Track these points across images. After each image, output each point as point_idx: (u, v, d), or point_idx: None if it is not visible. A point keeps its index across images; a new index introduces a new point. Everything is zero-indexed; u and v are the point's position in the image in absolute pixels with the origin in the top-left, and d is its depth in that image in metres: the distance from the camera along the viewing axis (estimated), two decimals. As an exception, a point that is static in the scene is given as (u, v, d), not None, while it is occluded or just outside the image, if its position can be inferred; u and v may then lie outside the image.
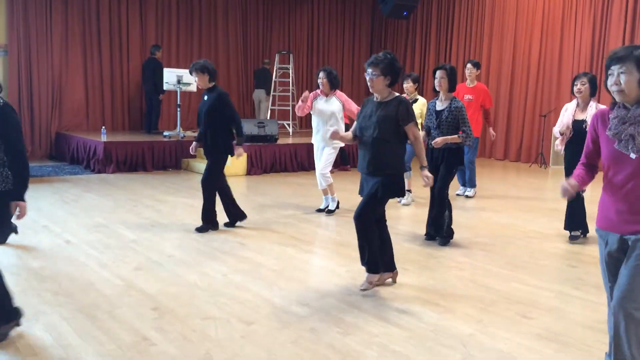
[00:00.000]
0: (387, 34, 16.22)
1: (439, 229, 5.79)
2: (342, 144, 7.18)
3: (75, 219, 6.46)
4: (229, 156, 6.07)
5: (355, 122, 4.52)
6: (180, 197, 7.88)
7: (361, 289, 4.32)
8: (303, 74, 15.41)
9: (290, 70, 13.65)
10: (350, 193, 7.91)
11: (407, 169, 6.95)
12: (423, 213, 6.53)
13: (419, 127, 7.22)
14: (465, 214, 7.29)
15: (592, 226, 5.65)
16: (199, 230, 6.03)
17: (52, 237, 5.69)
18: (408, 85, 7.51)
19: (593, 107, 5.61)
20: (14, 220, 3.48)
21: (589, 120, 5.43)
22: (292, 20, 15.20)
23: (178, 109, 11.69)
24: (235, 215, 6.28)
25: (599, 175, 2.94)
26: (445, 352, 3.39)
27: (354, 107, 6.91)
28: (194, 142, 6.19)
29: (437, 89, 5.76)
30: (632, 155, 2.64)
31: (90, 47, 12.10)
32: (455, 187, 8.35)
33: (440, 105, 5.77)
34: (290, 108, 13.44)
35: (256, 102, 13.96)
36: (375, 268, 4.34)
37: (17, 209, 3.29)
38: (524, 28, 12.86)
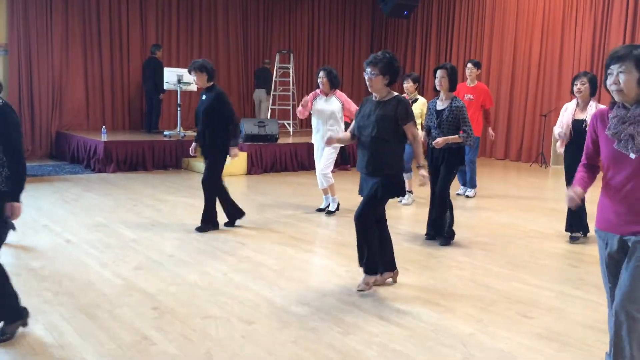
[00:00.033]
0: (387, 33, 16.22)
1: (440, 230, 5.78)
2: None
3: (76, 219, 6.46)
4: (228, 156, 6.07)
5: (353, 122, 4.52)
6: (180, 197, 7.88)
7: (358, 290, 4.32)
8: (303, 74, 15.40)
9: (291, 70, 13.65)
10: (350, 193, 7.91)
11: (408, 169, 6.94)
12: (423, 213, 6.53)
13: (419, 127, 7.27)
14: (465, 213, 7.28)
15: (592, 225, 5.65)
16: (199, 229, 6.03)
17: (52, 237, 5.69)
18: (408, 85, 7.51)
19: (593, 107, 5.60)
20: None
21: (588, 120, 5.42)
22: (293, 20, 15.19)
23: (178, 109, 11.69)
24: (234, 214, 6.27)
25: (599, 175, 2.94)
26: (445, 351, 3.39)
27: (354, 107, 6.90)
28: (193, 143, 6.16)
29: (438, 88, 5.75)
30: (632, 155, 2.62)
31: (90, 47, 12.10)
32: (455, 187, 8.34)
33: (440, 104, 5.76)
34: (290, 107, 13.44)
35: (256, 101, 13.96)
36: (373, 269, 4.34)
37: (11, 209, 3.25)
38: (525, 28, 12.86)
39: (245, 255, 5.25)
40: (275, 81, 13.60)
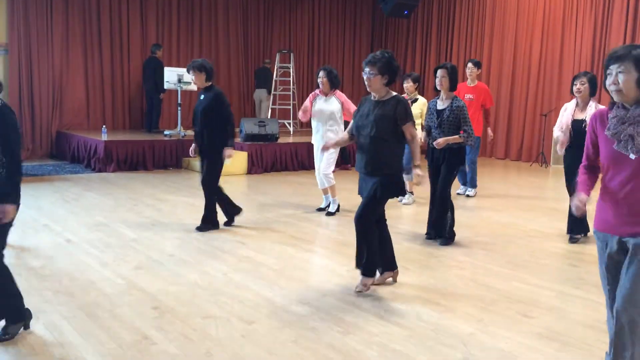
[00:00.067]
0: (387, 33, 16.22)
1: (442, 230, 5.76)
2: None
3: (76, 218, 6.46)
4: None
5: (352, 121, 4.50)
6: (180, 196, 7.88)
7: (356, 291, 4.31)
8: (304, 73, 15.40)
9: (291, 69, 13.65)
10: (350, 192, 7.91)
11: (409, 170, 6.93)
12: (424, 212, 6.53)
13: (419, 127, 7.26)
14: (466, 213, 7.28)
15: (591, 224, 5.64)
16: (200, 229, 6.03)
17: (52, 236, 5.69)
18: (408, 84, 7.51)
19: (592, 107, 5.58)
20: None
21: (588, 120, 5.41)
22: (293, 19, 15.19)
23: (179, 108, 11.70)
24: (232, 213, 6.27)
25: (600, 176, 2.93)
26: (445, 351, 3.39)
27: (353, 108, 6.87)
28: (193, 144, 6.09)
29: (438, 88, 5.73)
30: (632, 156, 2.60)
31: (91, 47, 12.10)
32: (455, 187, 8.34)
33: (441, 104, 5.74)
34: (290, 107, 13.44)
35: (257, 101, 13.96)
36: (371, 271, 4.33)
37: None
38: (525, 28, 12.86)
39: (246, 255, 5.25)
40: (276, 80, 13.60)
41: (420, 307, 4.07)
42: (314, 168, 7.55)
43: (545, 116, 12.18)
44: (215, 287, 4.37)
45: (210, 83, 5.94)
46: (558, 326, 3.81)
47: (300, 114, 6.95)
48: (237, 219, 6.37)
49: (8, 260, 3.56)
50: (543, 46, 12.59)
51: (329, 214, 7.02)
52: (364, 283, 4.31)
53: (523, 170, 11.74)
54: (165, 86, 11.40)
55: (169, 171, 10.29)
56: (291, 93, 13.51)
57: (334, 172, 7.03)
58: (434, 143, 5.62)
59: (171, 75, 11.27)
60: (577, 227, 5.96)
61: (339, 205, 7.11)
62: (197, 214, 6.40)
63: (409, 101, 7.45)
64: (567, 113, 5.78)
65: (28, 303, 3.55)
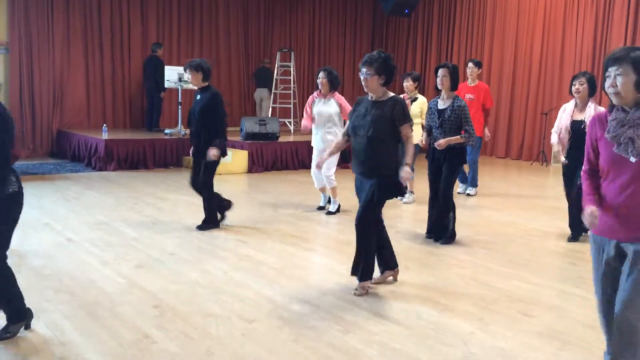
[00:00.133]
0: (388, 32, 16.20)
1: (443, 230, 5.75)
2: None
3: (77, 217, 6.46)
4: (222, 156, 6.02)
5: (347, 122, 4.47)
6: (181, 195, 7.89)
7: (355, 294, 4.29)
8: (304, 73, 15.39)
9: (292, 68, 13.64)
10: (351, 191, 7.87)
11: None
12: (424, 211, 6.52)
13: (420, 125, 7.25)
14: (466, 212, 7.28)
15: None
16: (200, 228, 6.03)
17: (53, 235, 5.69)
18: (408, 84, 7.50)
19: (592, 108, 5.56)
20: None
21: (587, 121, 5.40)
22: (294, 18, 15.18)
23: (179, 107, 11.69)
24: (222, 207, 6.23)
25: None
26: (446, 350, 3.40)
27: None
28: (192, 146, 6.08)
29: (440, 87, 5.71)
30: (632, 159, 2.58)
31: (91, 45, 12.10)
32: (455, 186, 8.33)
33: (442, 104, 5.73)
34: (291, 106, 13.44)
35: (257, 100, 13.96)
36: (367, 275, 4.32)
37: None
38: (526, 27, 12.84)
39: (246, 254, 5.26)
40: (276, 79, 13.60)
41: (420, 306, 4.07)
42: (315, 167, 7.53)
43: (546, 115, 12.17)
44: (216, 286, 4.38)
45: (207, 83, 5.92)
46: (558, 325, 3.81)
47: (303, 124, 6.91)
48: (237, 219, 6.36)
49: (8, 259, 3.56)
50: (544, 45, 12.57)
51: (329, 213, 7.02)
52: (362, 286, 4.31)
53: (524, 169, 11.73)
54: (166, 85, 11.40)
55: (169, 170, 10.29)
56: (292, 92, 13.50)
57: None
58: (435, 144, 5.60)
59: (172, 74, 11.27)
60: (576, 228, 5.95)
61: (339, 206, 7.10)
62: (197, 213, 6.41)
63: (409, 100, 7.45)
64: (565, 114, 5.76)
65: (29, 302, 3.55)
